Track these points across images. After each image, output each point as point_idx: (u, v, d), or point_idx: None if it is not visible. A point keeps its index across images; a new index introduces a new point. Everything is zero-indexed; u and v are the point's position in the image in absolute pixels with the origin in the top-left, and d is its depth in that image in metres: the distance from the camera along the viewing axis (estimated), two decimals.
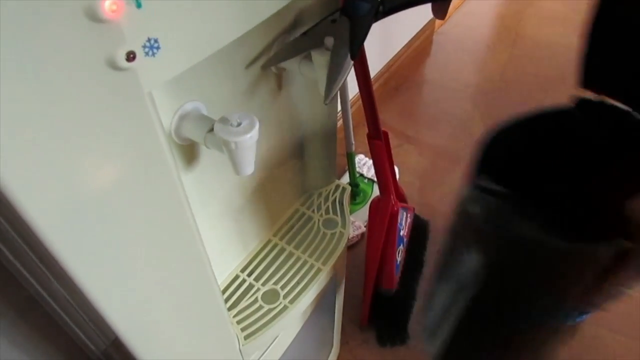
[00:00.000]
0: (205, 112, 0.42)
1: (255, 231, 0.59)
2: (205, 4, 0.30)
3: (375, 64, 1.63)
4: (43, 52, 0.22)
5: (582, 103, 0.47)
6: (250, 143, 0.37)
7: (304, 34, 0.45)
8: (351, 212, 1.26)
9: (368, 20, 0.42)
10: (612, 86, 0.45)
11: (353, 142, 1.18)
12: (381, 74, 1.66)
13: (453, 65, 1.85)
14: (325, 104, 0.41)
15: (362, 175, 1.32)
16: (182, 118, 0.40)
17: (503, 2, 2.19)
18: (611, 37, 0.44)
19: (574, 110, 0.48)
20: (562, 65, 1.82)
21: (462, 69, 1.83)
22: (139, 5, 0.24)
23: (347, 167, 1.23)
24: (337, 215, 0.63)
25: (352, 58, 0.42)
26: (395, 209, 0.92)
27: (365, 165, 1.34)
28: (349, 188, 0.67)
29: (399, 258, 0.97)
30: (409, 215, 0.98)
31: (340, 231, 0.61)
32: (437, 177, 1.42)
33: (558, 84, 1.74)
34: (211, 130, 0.38)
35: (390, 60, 1.70)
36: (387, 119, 1.60)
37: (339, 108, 1.12)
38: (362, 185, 1.29)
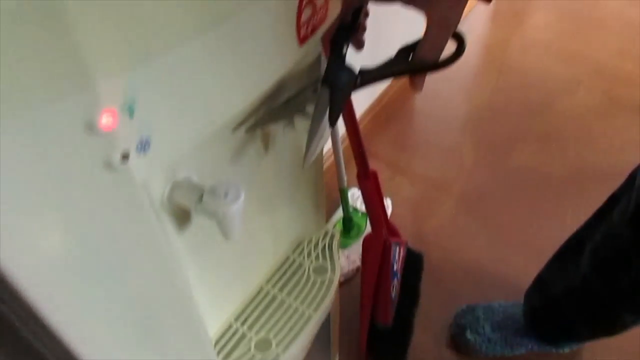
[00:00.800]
0: (195, 177, 0.45)
1: (248, 280, 0.62)
2: (193, 98, 0.33)
3: (367, 98, 1.68)
4: (45, 158, 0.25)
5: None
6: (237, 213, 0.40)
7: (287, 101, 0.49)
8: (346, 246, 1.28)
9: (347, 91, 0.46)
10: None
11: (345, 178, 1.21)
12: (372, 107, 1.71)
13: (442, 95, 1.90)
14: (303, 168, 0.44)
15: (355, 209, 1.35)
16: (174, 188, 0.43)
17: (488, 32, 2.27)
18: None
19: None
20: (547, 91, 1.88)
21: (451, 98, 1.88)
22: (131, 116, 0.27)
23: (340, 201, 1.26)
24: (326, 261, 0.66)
25: (331, 126, 0.45)
26: (387, 244, 0.94)
27: (358, 199, 1.36)
28: (338, 234, 0.70)
29: (394, 292, 0.99)
30: (401, 249, 1.01)
31: (330, 278, 0.63)
32: (428, 208, 1.45)
33: (544, 110, 1.79)
34: (201, 198, 0.41)
35: (381, 93, 1.75)
36: (379, 150, 1.64)
37: (328, 148, 1.15)
38: (355, 219, 1.31)
